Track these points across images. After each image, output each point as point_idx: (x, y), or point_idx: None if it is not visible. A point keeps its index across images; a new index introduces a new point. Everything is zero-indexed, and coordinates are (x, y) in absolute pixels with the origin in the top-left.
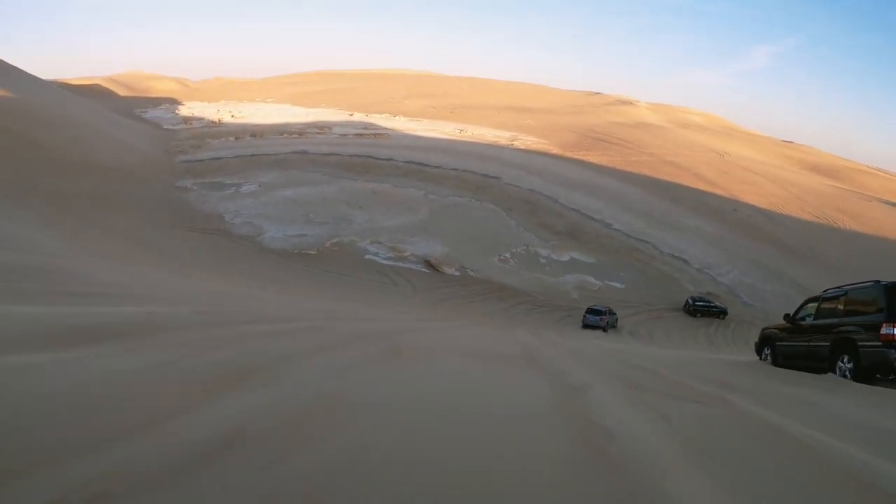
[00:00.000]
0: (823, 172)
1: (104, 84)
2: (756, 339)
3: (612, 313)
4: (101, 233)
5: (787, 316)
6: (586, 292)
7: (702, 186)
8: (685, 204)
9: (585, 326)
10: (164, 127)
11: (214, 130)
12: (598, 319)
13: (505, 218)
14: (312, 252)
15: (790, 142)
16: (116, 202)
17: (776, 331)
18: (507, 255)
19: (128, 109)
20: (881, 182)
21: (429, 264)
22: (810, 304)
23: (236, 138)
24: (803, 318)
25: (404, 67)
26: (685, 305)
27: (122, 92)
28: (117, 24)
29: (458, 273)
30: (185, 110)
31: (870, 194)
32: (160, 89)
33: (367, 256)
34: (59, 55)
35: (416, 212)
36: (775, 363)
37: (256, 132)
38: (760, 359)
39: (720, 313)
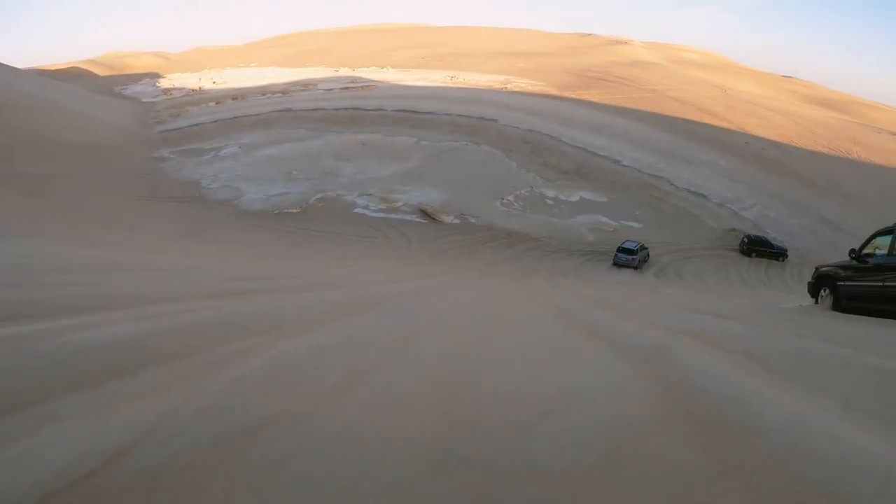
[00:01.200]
0: (828, 105)
1: (83, 66)
2: (810, 279)
3: (643, 248)
4: (54, 212)
5: (852, 252)
6: (602, 234)
7: (709, 121)
8: (695, 138)
9: (616, 265)
10: (144, 100)
11: (195, 98)
12: (630, 259)
13: (505, 160)
14: (295, 210)
15: (790, 77)
16: (86, 180)
17: (838, 269)
18: (511, 198)
19: (107, 88)
20: (886, 115)
21: (424, 214)
22: (881, 238)
23: (217, 103)
24: (872, 254)
25: (391, 21)
26: (740, 244)
27: (101, 72)
28: (94, 8)
29: (457, 221)
30: (165, 83)
31: (878, 127)
32: (140, 65)
33: (355, 210)
34: (37, 44)
35: (408, 159)
36: (837, 307)
37: (238, 95)
38: (815, 302)
39: (779, 255)
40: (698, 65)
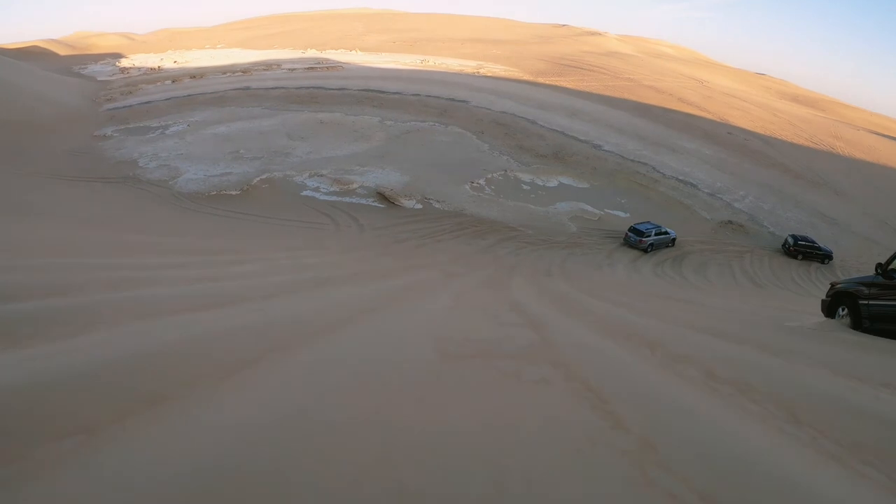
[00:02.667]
0: (804, 103)
1: (44, 46)
2: (824, 297)
3: (662, 233)
4: None
5: (879, 267)
6: (586, 223)
7: (688, 110)
8: (675, 127)
9: (625, 244)
10: (99, 79)
11: (152, 77)
12: (638, 241)
13: (475, 142)
14: (234, 193)
15: (763, 74)
16: (13, 159)
17: (860, 286)
18: (482, 181)
19: (66, 67)
20: (860, 115)
21: (382, 197)
22: None
23: (174, 81)
24: None
25: (363, 6)
26: (784, 245)
27: (63, 52)
28: None
29: (419, 206)
30: (126, 63)
31: (855, 125)
32: (104, 45)
33: (304, 193)
34: (3, 24)
35: (370, 139)
36: (857, 327)
37: (197, 74)
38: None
39: (825, 257)
40: (673, 58)
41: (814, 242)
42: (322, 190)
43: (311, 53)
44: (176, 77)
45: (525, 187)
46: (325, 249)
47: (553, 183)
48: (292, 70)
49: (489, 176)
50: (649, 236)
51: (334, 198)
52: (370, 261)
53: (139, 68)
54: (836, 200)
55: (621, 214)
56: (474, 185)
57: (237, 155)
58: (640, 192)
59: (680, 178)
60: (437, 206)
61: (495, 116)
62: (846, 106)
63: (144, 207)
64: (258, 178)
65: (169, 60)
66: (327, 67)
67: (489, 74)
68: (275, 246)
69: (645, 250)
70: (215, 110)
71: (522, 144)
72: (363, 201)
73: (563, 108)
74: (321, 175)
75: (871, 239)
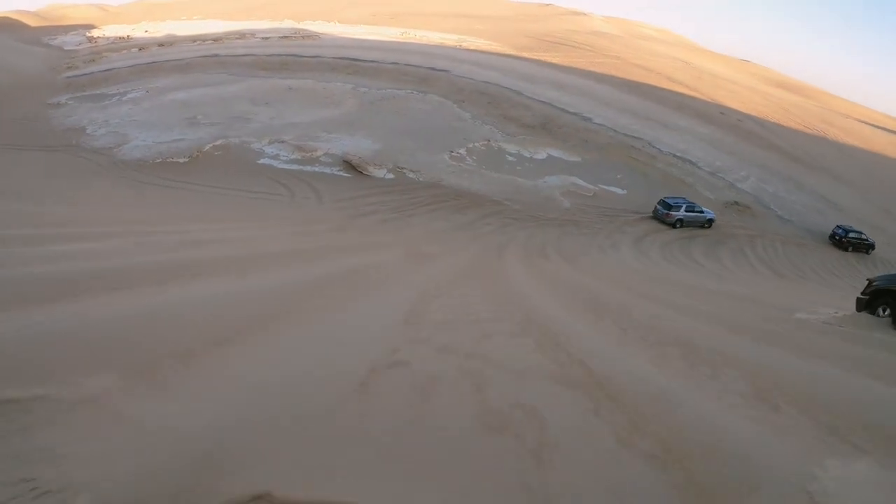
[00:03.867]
0: (790, 90)
1: (14, 17)
2: (860, 294)
3: (696, 211)
4: None
5: None
6: (580, 199)
7: (678, 89)
8: (667, 104)
9: (654, 217)
10: (66, 49)
11: (119, 45)
12: (664, 214)
13: (456, 110)
14: (181, 160)
15: (747, 61)
16: None
17: None
18: (462, 151)
19: (36, 38)
20: (845, 105)
21: (349, 166)
22: None
23: (141, 49)
24: None
25: None
26: (832, 236)
27: (34, 23)
28: None
29: (391, 176)
30: (97, 33)
31: (843, 113)
32: (76, 17)
33: (261, 161)
34: None
35: (340, 105)
36: None
37: (165, 42)
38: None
39: (870, 247)
40: (658, 41)
41: (861, 233)
42: (282, 157)
43: (288, 24)
44: (144, 45)
45: (510, 159)
46: (265, 222)
47: (541, 155)
48: (266, 39)
49: (471, 146)
50: (678, 210)
51: (295, 166)
52: (319, 236)
53: (108, 38)
54: (837, 186)
55: (618, 191)
56: (454, 154)
57: (193, 121)
58: (636, 168)
59: (677, 154)
60: (410, 175)
61: (478, 86)
62: (831, 95)
63: (73, 175)
64: (211, 145)
65: (140, 30)
66: (303, 37)
67: (472, 48)
68: (203, 217)
69: (673, 225)
70: (178, 77)
71: (507, 114)
72: (327, 170)
73: (550, 81)
74: (282, 141)
75: (878, 227)
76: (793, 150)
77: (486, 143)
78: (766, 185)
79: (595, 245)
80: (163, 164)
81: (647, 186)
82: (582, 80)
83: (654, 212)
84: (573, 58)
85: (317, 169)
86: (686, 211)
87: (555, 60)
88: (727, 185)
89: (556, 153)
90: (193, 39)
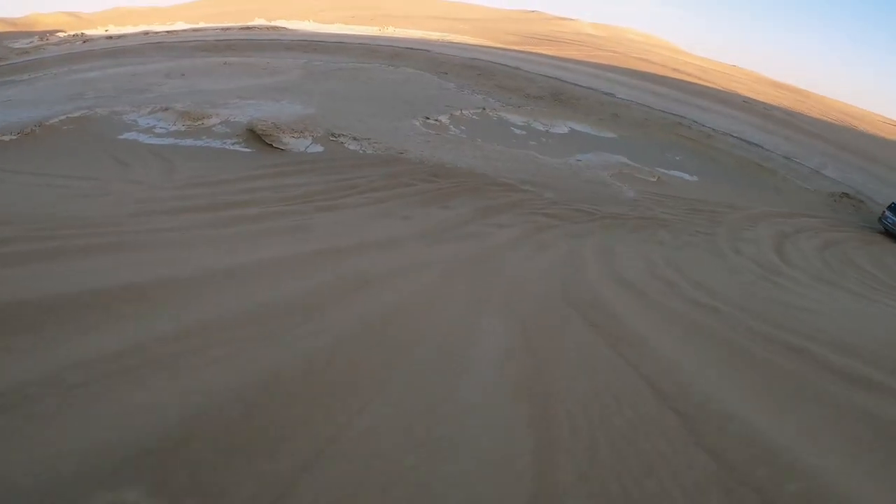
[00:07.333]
0: (786, 89)
1: None
2: None
3: None
4: None
5: None
6: (641, 185)
7: (690, 80)
8: (686, 91)
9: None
10: (13, 47)
11: (64, 39)
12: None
13: (436, 80)
14: (6, 138)
15: (735, 65)
16: None
17: None
18: (443, 118)
19: None
20: (839, 105)
21: (253, 135)
22: None
23: (85, 41)
24: None
25: None
26: (882, 219)
27: (4, 28)
28: None
29: (317, 147)
30: (61, 36)
31: (842, 112)
32: (48, 23)
33: (123, 136)
34: None
35: (280, 75)
36: None
37: (115, 35)
38: None
39: None
40: (648, 43)
41: None
42: (157, 130)
43: (259, 23)
44: (91, 39)
45: (518, 132)
46: None
47: (561, 129)
48: (226, 29)
49: (456, 113)
50: None
51: (169, 140)
52: None
53: (61, 37)
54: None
55: (686, 177)
56: (430, 122)
57: (77, 96)
58: (695, 151)
59: (736, 135)
60: (351, 146)
61: (465, 62)
62: (820, 95)
63: None
64: (61, 118)
65: (101, 31)
66: (268, 29)
67: (456, 41)
68: None
69: None
70: (106, 61)
71: (504, 85)
72: (217, 143)
73: (549, 64)
74: (168, 109)
75: None
76: (838, 139)
77: (479, 111)
78: (851, 174)
79: (724, 262)
80: None
81: (721, 172)
82: (584, 67)
83: (881, 219)
84: (568, 51)
85: (202, 143)
86: None
87: (549, 52)
88: (812, 173)
89: (580, 127)
90: (146, 32)
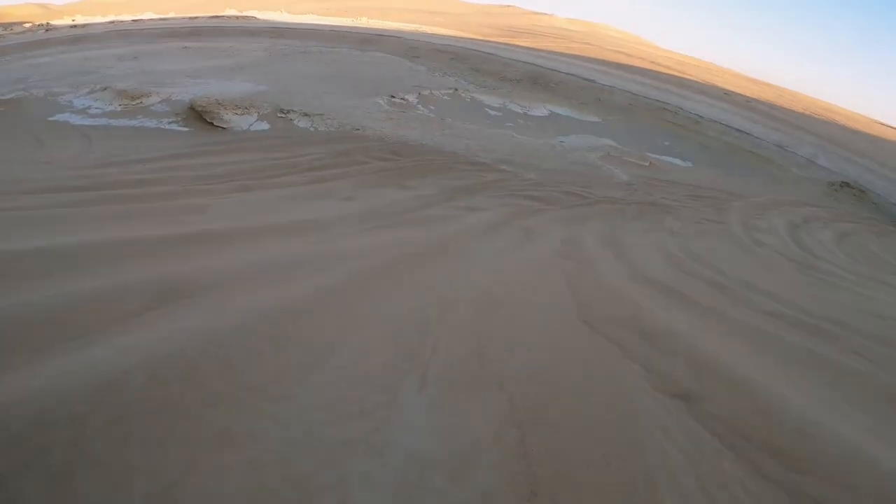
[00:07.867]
0: (764, 85)
1: None
2: None
3: None
4: None
5: None
6: (634, 169)
7: (669, 73)
8: (666, 82)
9: None
10: None
11: (26, 29)
12: None
13: (407, 63)
14: None
15: (712, 62)
16: None
17: None
18: (411, 97)
19: None
20: (821, 102)
21: (194, 114)
22: None
23: (47, 30)
24: None
25: None
26: None
27: None
28: None
29: (263, 125)
30: (26, 27)
31: (824, 109)
32: (17, 14)
33: (55, 117)
34: None
35: (238, 57)
36: None
37: (80, 24)
38: None
39: None
40: (624, 40)
41: None
42: (91, 111)
43: (230, 13)
44: (54, 28)
45: (493, 113)
46: None
47: (540, 111)
48: (193, 18)
49: (425, 93)
50: None
51: (103, 120)
52: None
53: (25, 27)
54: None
55: (679, 162)
56: (395, 99)
57: (22, 80)
58: (682, 136)
59: (722, 122)
60: (301, 124)
61: (437, 47)
62: (806, 95)
63: None
64: None
65: (67, 21)
66: (237, 17)
67: (431, 32)
68: None
69: None
70: (64, 47)
71: (479, 68)
72: (152, 123)
73: (526, 53)
74: (106, 89)
75: None
76: (823, 132)
77: (451, 91)
78: (847, 166)
79: (751, 253)
80: None
81: (714, 159)
82: (562, 58)
83: None
84: (544, 42)
85: (136, 122)
86: None
87: (526, 44)
88: (807, 163)
89: (561, 111)
90: (112, 22)
